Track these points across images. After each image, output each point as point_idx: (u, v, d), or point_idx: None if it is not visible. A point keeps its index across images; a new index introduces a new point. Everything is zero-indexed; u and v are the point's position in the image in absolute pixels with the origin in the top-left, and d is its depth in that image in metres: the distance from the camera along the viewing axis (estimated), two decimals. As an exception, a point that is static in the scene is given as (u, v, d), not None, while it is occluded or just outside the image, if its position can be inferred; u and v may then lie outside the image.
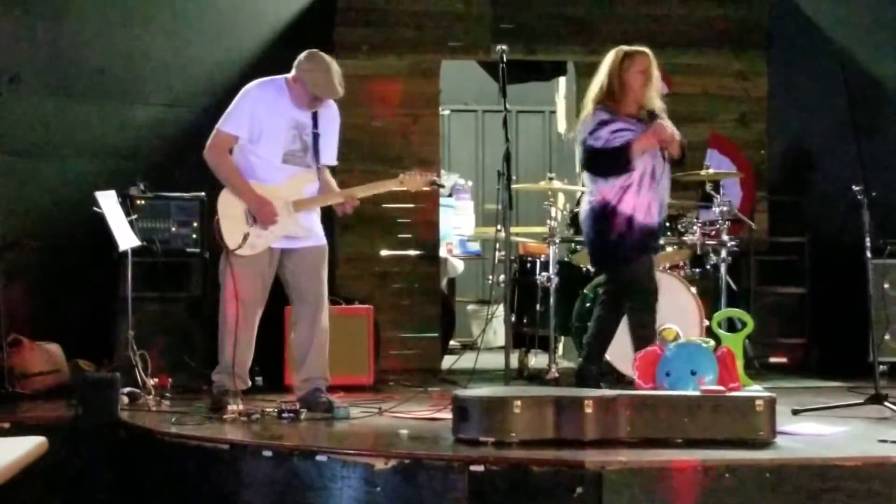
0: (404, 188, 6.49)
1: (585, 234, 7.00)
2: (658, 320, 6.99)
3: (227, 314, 6.34)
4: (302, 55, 6.38)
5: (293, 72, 6.37)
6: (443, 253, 10.23)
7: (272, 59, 8.42)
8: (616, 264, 6.91)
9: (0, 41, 8.03)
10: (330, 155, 6.56)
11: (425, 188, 6.57)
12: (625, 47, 6.86)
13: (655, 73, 6.80)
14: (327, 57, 6.38)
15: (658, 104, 6.84)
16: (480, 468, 4.77)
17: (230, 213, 6.30)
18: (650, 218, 6.74)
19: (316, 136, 6.43)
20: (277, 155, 6.35)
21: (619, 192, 6.74)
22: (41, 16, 8.25)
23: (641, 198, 6.72)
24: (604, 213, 6.79)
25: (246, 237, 6.29)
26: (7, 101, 7.60)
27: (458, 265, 11.15)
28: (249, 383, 6.56)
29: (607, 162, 6.73)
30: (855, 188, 6.45)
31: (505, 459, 4.82)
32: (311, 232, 6.49)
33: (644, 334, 6.74)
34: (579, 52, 9.95)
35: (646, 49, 6.84)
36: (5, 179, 7.44)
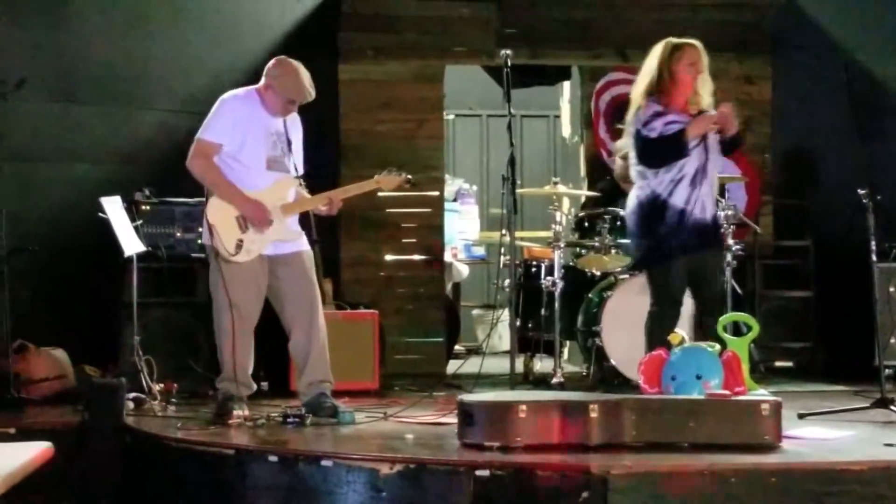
0: (380, 187, 6.52)
1: (631, 231, 6.74)
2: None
3: (223, 325, 6.33)
4: (270, 63, 6.44)
5: (263, 80, 6.42)
6: (448, 258, 10.23)
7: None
8: (661, 260, 6.61)
9: (5, 46, 8.05)
10: (299, 164, 6.58)
11: (403, 186, 6.57)
12: (673, 39, 6.60)
13: (705, 67, 6.58)
14: (295, 62, 6.42)
15: (707, 100, 6.62)
16: (486, 473, 4.77)
17: (221, 221, 6.29)
18: (704, 213, 6.53)
19: (289, 143, 6.48)
20: (261, 161, 6.37)
21: (669, 186, 6.51)
22: (46, 21, 8.27)
23: (694, 192, 6.50)
24: (654, 207, 6.53)
25: (240, 244, 6.29)
26: (12, 106, 7.61)
27: (463, 270, 11.16)
28: (254, 388, 6.56)
29: (663, 149, 6.50)
30: (860, 191, 6.43)
31: (510, 464, 4.82)
32: (301, 235, 6.51)
33: (654, 341, 6.46)
34: (583, 57, 9.96)
35: (695, 41, 6.60)
36: (10, 184, 7.46)
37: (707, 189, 6.52)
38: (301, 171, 6.60)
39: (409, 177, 6.54)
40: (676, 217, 6.45)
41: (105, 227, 7.03)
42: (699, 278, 6.59)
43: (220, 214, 6.29)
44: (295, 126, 6.58)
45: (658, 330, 6.43)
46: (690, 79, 6.51)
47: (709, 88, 6.58)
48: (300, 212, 6.55)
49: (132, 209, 7.58)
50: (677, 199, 6.46)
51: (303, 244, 6.52)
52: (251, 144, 6.34)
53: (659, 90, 6.50)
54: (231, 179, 6.32)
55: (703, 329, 6.50)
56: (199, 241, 7.82)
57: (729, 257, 8.12)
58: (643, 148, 6.54)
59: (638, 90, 6.62)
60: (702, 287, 6.62)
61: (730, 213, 8.08)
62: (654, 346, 6.24)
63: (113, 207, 7.11)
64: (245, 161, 6.34)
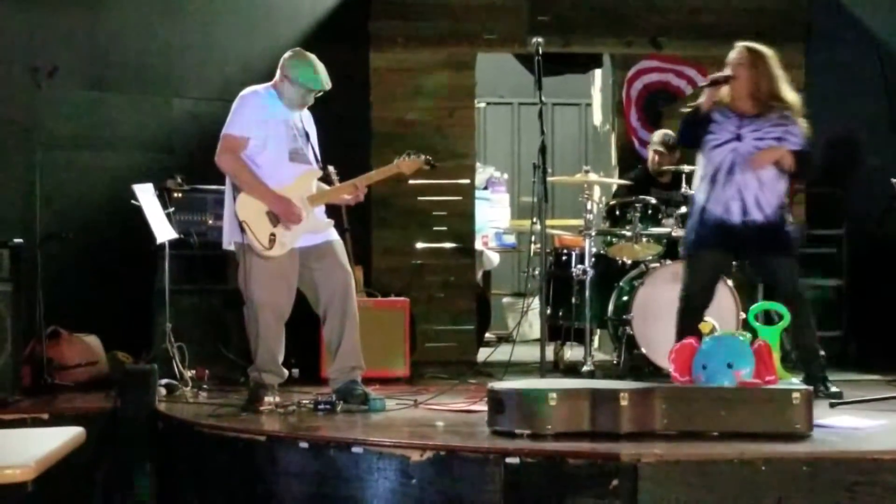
0: (401, 171, 6.53)
1: None
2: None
3: (254, 317, 6.35)
4: (285, 55, 6.48)
5: (278, 73, 6.45)
6: (478, 246, 10.23)
7: (309, 51, 8.45)
8: (687, 251, 6.86)
9: (38, 35, 8.10)
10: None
11: (423, 168, 6.58)
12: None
13: (745, 63, 6.65)
14: (309, 53, 6.47)
15: (786, 100, 6.65)
16: (516, 460, 4.78)
17: (253, 217, 6.30)
18: (729, 215, 6.57)
19: (307, 135, 6.54)
20: (285, 153, 6.40)
21: (698, 183, 6.74)
22: (79, 9, 8.31)
23: (716, 191, 6.60)
24: (693, 202, 6.87)
25: (273, 237, 6.30)
26: (45, 95, 7.64)
27: (494, 258, 11.15)
28: (286, 375, 6.58)
29: (686, 125, 6.81)
30: (893, 180, 6.39)
31: (540, 452, 4.82)
32: (330, 224, 6.54)
33: (678, 329, 6.66)
34: (615, 45, 9.92)
35: (745, 43, 6.76)
36: (44, 172, 7.49)
37: (731, 191, 6.56)
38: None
39: (429, 158, 6.55)
40: (698, 214, 6.69)
41: (137, 215, 7.07)
42: (767, 277, 6.97)
43: (250, 210, 6.31)
44: (309, 123, 6.64)
45: (680, 315, 6.71)
46: (735, 81, 6.63)
47: (777, 84, 6.64)
48: (327, 202, 6.57)
49: (164, 197, 7.61)
50: (699, 196, 6.69)
51: (332, 234, 6.54)
52: (274, 138, 6.37)
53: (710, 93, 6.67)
54: (258, 173, 6.35)
55: (793, 331, 6.65)
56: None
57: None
58: (679, 129, 6.98)
59: None
60: (773, 285, 6.87)
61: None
62: (680, 331, 6.55)
63: (145, 195, 7.14)
64: (269, 155, 6.37)
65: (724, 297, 7.61)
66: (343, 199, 6.61)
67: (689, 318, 6.54)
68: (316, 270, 6.45)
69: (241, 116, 6.39)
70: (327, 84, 6.43)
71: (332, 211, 6.69)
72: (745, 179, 6.56)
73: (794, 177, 6.74)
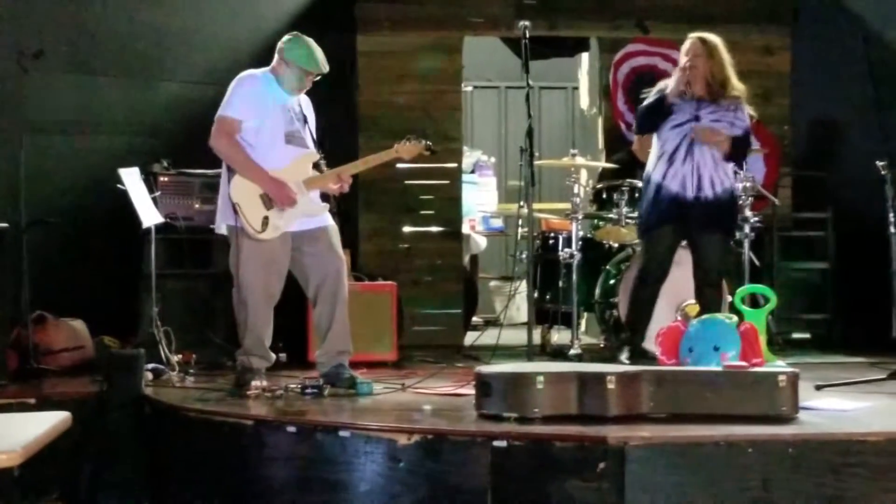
0: (400, 157, 6.51)
1: None
2: (681, 296, 7.03)
3: (243, 301, 6.35)
4: (283, 39, 6.46)
5: (276, 57, 6.44)
6: (465, 229, 10.23)
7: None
8: (644, 230, 7.08)
9: (24, 17, 8.05)
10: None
11: (423, 153, 6.57)
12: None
13: (704, 53, 6.86)
14: (306, 37, 6.45)
15: (734, 92, 6.89)
16: (503, 443, 4.79)
17: (246, 200, 6.29)
18: (684, 190, 6.81)
19: (306, 119, 6.53)
20: (280, 136, 6.39)
21: (654, 162, 6.96)
22: (65, -8, 8.28)
23: (675, 168, 6.84)
24: (645, 181, 7.05)
25: (266, 220, 6.29)
26: (31, 78, 7.61)
27: (481, 241, 11.15)
28: (273, 359, 6.58)
29: (642, 112, 7.06)
30: (879, 163, 6.42)
31: (528, 435, 4.83)
32: (325, 209, 6.52)
33: (632, 305, 7.09)
34: (602, 28, 9.92)
35: (699, 34, 6.93)
36: (29, 156, 7.46)
37: (690, 168, 6.81)
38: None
39: (429, 143, 6.54)
40: (654, 190, 6.91)
41: (123, 199, 7.05)
42: (696, 253, 6.95)
43: (244, 193, 6.30)
44: (308, 108, 6.64)
45: (633, 297, 7.08)
46: (689, 69, 6.85)
47: (718, 73, 6.85)
48: (323, 185, 6.56)
49: (150, 181, 7.60)
50: (657, 174, 6.91)
51: (327, 219, 6.53)
52: (269, 120, 6.36)
53: (679, 80, 6.90)
54: (253, 155, 6.33)
55: (701, 301, 6.73)
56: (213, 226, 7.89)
57: (747, 229, 8.14)
58: (636, 117, 7.24)
59: None
60: (694, 267, 6.95)
61: (748, 184, 8.08)
62: (632, 313, 7.06)
63: (131, 179, 7.12)
64: (264, 137, 6.35)
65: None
66: (329, 189, 6.58)
67: (646, 293, 6.95)
68: (308, 255, 6.45)
69: (236, 98, 6.37)
70: (325, 67, 6.42)
71: (323, 194, 6.68)
72: (702, 158, 6.82)
73: (726, 160, 6.95)
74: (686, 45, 6.92)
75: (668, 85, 6.93)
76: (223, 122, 6.35)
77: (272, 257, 6.37)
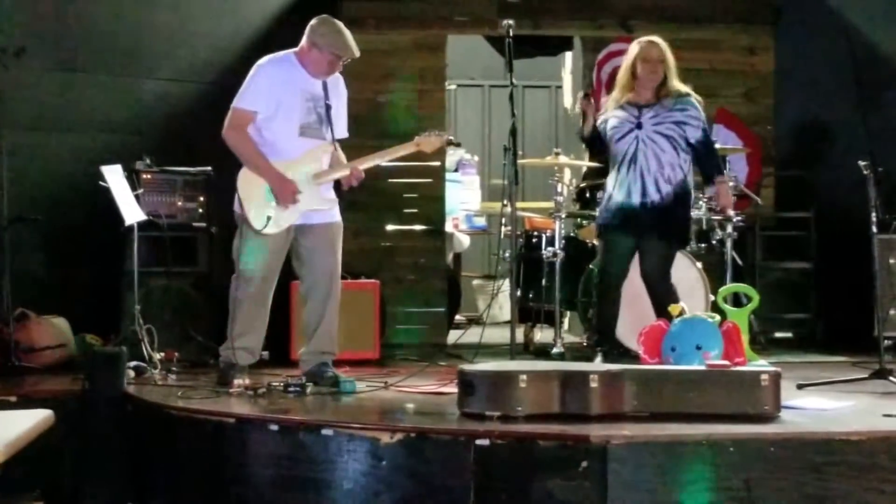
0: (421, 150, 6.50)
1: None
2: (644, 294, 7.07)
3: (240, 288, 6.34)
4: (313, 22, 6.39)
5: (305, 40, 6.37)
6: (449, 228, 10.23)
7: (278, 32, 8.43)
8: (598, 237, 7.25)
9: (5, 15, 8.03)
10: (342, 127, 6.57)
11: (445, 147, 6.55)
12: (641, 38, 7.10)
13: (661, 58, 6.96)
14: (336, 20, 6.42)
15: (680, 89, 7.01)
16: (486, 442, 4.79)
17: (252, 192, 6.27)
18: (630, 198, 6.91)
19: (328, 108, 6.44)
20: (294, 128, 6.34)
21: (610, 171, 7.11)
22: (46, -11, 8.25)
23: (621, 177, 6.97)
24: (605, 191, 7.18)
25: (270, 216, 6.28)
26: (13, 75, 7.59)
27: (464, 240, 11.15)
28: (259, 356, 6.57)
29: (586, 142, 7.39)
30: (861, 163, 6.43)
31: (510, 433, 4.83)
32: (334, 204, 6.50)
33: (596, 306, 7.23)
34: (586, 27, 9.93)
35: (655, 39, 7.02)
36: (11, 153, 7.44)
37: (633, 175, 6.94)
38: (343, 133, 6.59)
39: (451, 137, 6.54)
40: (605, 199, 7.08)
41: (106, 196, 7.03)
42: (640, 257, 7.05)
43: (250, 186, 6.28)
44: (337, 89, 6.53)
45: (598, 299, 7.21)
46: (647, 74, 6.96)
47: (673, 74, 7.00)
48: (335, 178, 6.53)
49: (133, 178, 7.58)
50: (609, 183, 7.09)
51: (334, 215, 6.51)
52: (284, 111, 6.31)
53: (623, 86, 7.06)
54: (263, 146, 6.30)
55: (654, 300, 6.92)
56: (200, 211, 7.87)
57: (729, 228, 8.18)
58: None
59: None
60: (641, 265, 7.05)
61: (731, 184, 8.10)
62: (597, 314, 7.22)
63: (114, 176, 7.10)
64: (277, 128, 6.32)
65: (694, 280, 7.65)
66: (347, 181, 6.51)
67: (607, 297, 7.09)
68: (307, 249, 6.44)
69: (250, 88, 6.33)
70: (356, 51, 6.37)
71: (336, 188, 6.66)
72: (646, 162, 6.94)
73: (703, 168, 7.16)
74: (650, 52, 6.96)
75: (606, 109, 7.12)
76: (236, 114, 6.32)
77: (274, 248, 6.37)
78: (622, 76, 7.07)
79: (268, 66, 6.38)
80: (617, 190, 6.97)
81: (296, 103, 6.34)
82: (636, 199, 6.90)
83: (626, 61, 7.06)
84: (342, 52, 6.33)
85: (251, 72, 6.39)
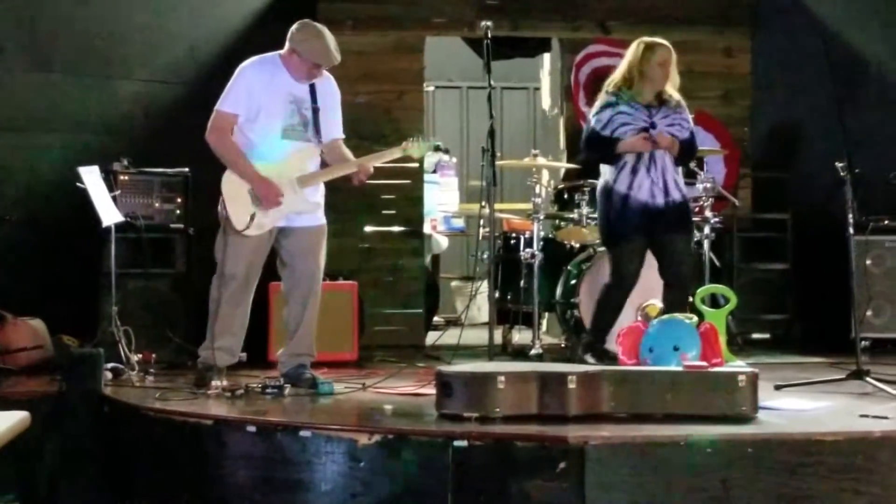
0: (409, 155, 6.50)
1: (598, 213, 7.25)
2: (642, 296, 7.05)
3: (221, 289, 6.33)
4: (293, 27, 6.37)
5: (287, 45, 6.36)
6: (427, 229, 10.23)
7: (256, 33, 8.42)
8: (614, 241, 7.06)
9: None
10: (336, 129, 6.56)
11: (429, 153, 6.55)
12: (647, 39, 7.04)
13: (674, 67, 6.98)
14: (318, 25, 6.40)
15: (675, 96, 7.02)
16: (464, 443, 4.78)
17: (235, 194, 6.27)
18: (654, 198, 6.86)
19: (315, 111, 6.42)
20: (276, 130, 6.33)
21: (615, 173, 6.95)
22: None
23: (639, 178, 6.88)
24: (605, 192, 7.02)
25: (253, 218, 6.26)
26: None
27: (443, 241, 11.15)
28: (237, 357, 6.56)
29: (597, 147, 7.02)
30: (838, 165, 6.46)
31: (488, 434, 4.83)
32: (318, 207, 6.49)
33: (603, 310, 7.09)
34: (564, 29, 9.94)
35: (666, 42, 6.99)
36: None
37: (655, 175, 6.88)
38: (340, 134, 6.58)
39: (439, 143, 6.54)
40: (620, 202, 6.91)
41: (83, 197, 7.00)
42: (662, 259, 6.97)
43: (233, 188, 6.27)
44: (326, 90, 6.51)
45: (605, 302, 7.08)
46: (659, 78, 6.94)
47: (675, 83, 7.02)
48: (320, 181, 6.52)
49: (110, 179, 7.55)
50: (621, 185, 6.92)
51: (318, 218, 6.50)
52: (266, 112, 6.30)
53: (627, 86, 6.96)
54: (249, 148, 6.29)
55: (669, 307, 6.70)
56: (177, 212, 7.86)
57: (707, 230, 8.20)
58: (586, 136, 7.10)
59: (607, 84, 7.10)
60: (664, 268, 6.97)
61: (708, 185, 8.13)
62: (602, 317, 7.05)
63: (91, 177, 7.07)
64: (259, 130, 6.31)
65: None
66: (357, 178, 6.49)
67: (616, 300, 7.00)
68: (288, 251, 6.44)
69: (232, 91, 6.32)
70: (336, 58, 6.36)
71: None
72: (664, 163, 6.92)
73: (675, 163, 7.08)
74: (661, 56, 6.93)
75: (613, 104, 6.96)
76: (218, 117, 6.31)
77: (256, 250, 6.36)
78: (628, 74, 6.97)
79: (249, 69, 6.37)
80: (636, 191, 6.86)
81: (278, 105, 6.32)
82: (660, 200, 6.86)
83: (631, 60, 6.97)
84: (321, 61, 6.33)
85: (235, 73, 6.38)
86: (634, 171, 6.89)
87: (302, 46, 6.29)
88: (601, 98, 7.05)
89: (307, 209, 6.42)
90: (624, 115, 6.90)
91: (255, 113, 6.28)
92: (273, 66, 6.36)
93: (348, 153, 6.56)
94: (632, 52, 7.01)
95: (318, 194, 6.52)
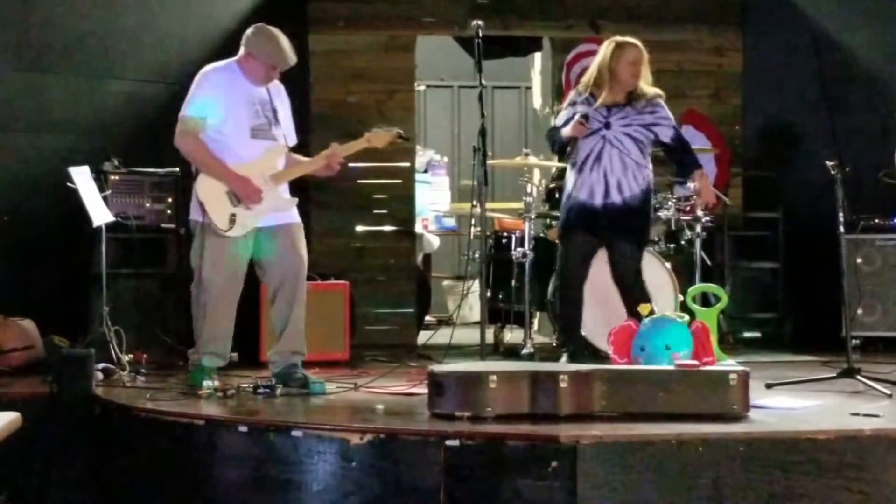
0: (372, 145, 6.50)
1: None
2: (607, 290, 7.09)
3: (202, 297, 6.32)
4: (248, 31, 6.42)
5: (242, 49, 6.40)
6: (418, 229, 10.23)
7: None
8: (559, 237, 7.26)
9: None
10: (290, 134, 6.57)
11: (395, 141, 6.56)
12: (618, 38, 7.08)
13: (646, 66, 7.00)
14: (273, 28, 6.42)
15: (650, 93, 7.03)
16: (456, 442, 4.78)
17: (212, 197, 6.26)
18: (592, 198, 6.94)
19: (275, 111, 6.45)
20: (245, 130, 6.34)
21: (568, 171, 7.16)
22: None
23: (584, 177, 6.99)
24: (563, 190, 7.21)
25: (233, 218, 6.26)
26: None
27: (434, 241, 11.15)
28: (228, 358, 6.55)
29: (549, 139, 7.27)
30: (828, 163, 6.47)
31: (480, 434, 4.83)
32: (293, 204, 6.50)
33: (560, 308, 7.26)
34: (555, 28, 9.94)
35: (637, 41, 7.01)
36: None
37: (597, 175, 6.95)
38: (292, 140, 6.59)
39: (401, 131, 6.55)
40: (566, 199, 7.09)
41: (74, 198, 6.99)
42: (609, 261, 7.09)
43: (210, 191, 6.26)
44: (279, 96, 6.55)
45: (560, 300, 7.25)
46: (629, 76, 6.97)
47: (648, 82, 7.05)
48: (293, 178, 6.52)
49: (101, 179, 7.55)
50: (568, 183, 7.10)
51: (294, 215, 6.51)
52: (233, 115, 6.31)
53: (596, 84, 7.01)
54: (217, 152, 6.29)
55: (626, 300, 6.94)
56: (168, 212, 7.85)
57: (698, 229, 8.20)
58: (546, 132, 7.32)
59: (581, 81, 7.21)
60: (611, 270, 7.09)
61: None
62: (563, 317, 7.22)
63: (81, 177, 7.06)
64: (229, 132, 6.31)
65: (662, 280, 7.68)
66: (317, 173, 6.54)
67: (569, 297, 7.11)
68: (269, 252, 6.42)
69: (197, 96, 6.33)
70: (292, 60, 6.38)
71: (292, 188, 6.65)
72: (610, 164, 6.96)
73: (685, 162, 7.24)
74: (630, 54, 6.96)
75: (573, 102, 7.10)
76: (185, 122, 6.30)
77: (236, 253, 6.34)
78: (597, 74, 7.02)
79: (211, 74, 6.40)
80: (578, 190, 6.99)
81: (242, 107, 6.35)
82: (598, 201, 6.94)
83: (601, 59, 7.02)
84: (276, 63, 6.35)
85: (196, 80, 6.40)
86: (580, 171, 7.01)
87: (258, 50, 6.33)
88: (569, 97, 7.21)
89: (284, 206, 6.45)
90: (580, 116, 6.97)
91: (223, 116, 6.30)
92: (230, 72, 6.40)
93: (299, 157, 6.60)
94: (602, 51, 7.07)
95: (288, 192, 6.54)
